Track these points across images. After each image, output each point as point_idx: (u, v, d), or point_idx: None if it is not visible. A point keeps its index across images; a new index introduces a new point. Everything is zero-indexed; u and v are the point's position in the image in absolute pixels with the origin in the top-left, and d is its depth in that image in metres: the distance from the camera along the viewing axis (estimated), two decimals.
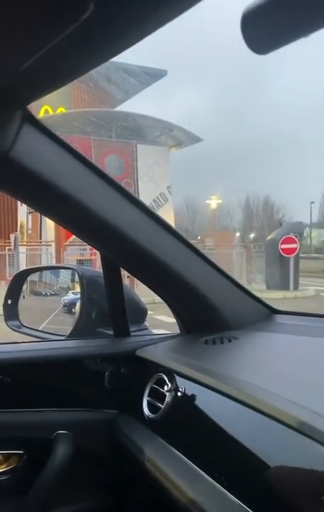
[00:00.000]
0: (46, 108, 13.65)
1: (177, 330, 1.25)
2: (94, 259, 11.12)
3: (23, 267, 11.17)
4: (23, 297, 1.54)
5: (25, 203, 1.05)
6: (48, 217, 1.05)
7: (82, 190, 0.93)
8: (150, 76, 14.83)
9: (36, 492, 1.01)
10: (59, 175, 0.90)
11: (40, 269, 1.76)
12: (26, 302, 1.57)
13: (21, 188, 0.94)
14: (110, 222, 0.98)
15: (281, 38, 0.44)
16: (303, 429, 0.64)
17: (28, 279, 1.56)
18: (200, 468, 0.81)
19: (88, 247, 11.39)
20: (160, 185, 13.79)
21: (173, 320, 1.26)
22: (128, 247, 1.02)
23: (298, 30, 0.44)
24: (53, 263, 11.35)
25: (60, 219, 1.03)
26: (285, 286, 10.46)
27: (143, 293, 1.39)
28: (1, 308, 1.48)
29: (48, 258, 11.92)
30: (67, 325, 1.70)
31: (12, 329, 1.41)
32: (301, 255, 11.57)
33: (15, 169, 0.85)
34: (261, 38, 0.45)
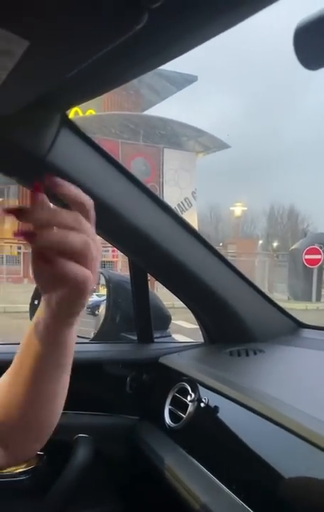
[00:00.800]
0: (76, 110, 13.85)
1: (195, 336, 1.24)
2: (116, 261, 11.18)
3: None
4: None
5: (58, 206, 1.06)
6: None
7: (114, 196, 0.94)
8: (182, 81, 14.88)
9: (55, 493, 1.02)
10: (93, 179, 0.91)
11: None
12: None
13: None
14: (141, 228, 0.98)
15: None
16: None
17: None
18: (219, 480, 0.80)
19: (110, 248, 11.47)
20: (185, 190, 13.81)
21: (192, 326, 1.26)
22: (156, 253, 1.03)
23: None
24: None
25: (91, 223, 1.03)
26: (307, 298, 10.32)
27: (163, 297, 1.39)
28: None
29: None
30: (89, 326, 1.71)
31: None
32: None
33: (51, 172, 0.86)
34: (313, 54, 0.45)
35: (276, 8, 0.48)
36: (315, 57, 0.45)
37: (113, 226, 1.00)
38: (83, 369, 1.17)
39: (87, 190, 0.89)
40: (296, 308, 8.25)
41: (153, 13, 0.44)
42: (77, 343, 1.43)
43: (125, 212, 0.96)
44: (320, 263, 10.39)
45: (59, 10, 0.47)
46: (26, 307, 1.52)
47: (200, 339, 1.26)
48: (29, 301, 1.50)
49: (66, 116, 0.88)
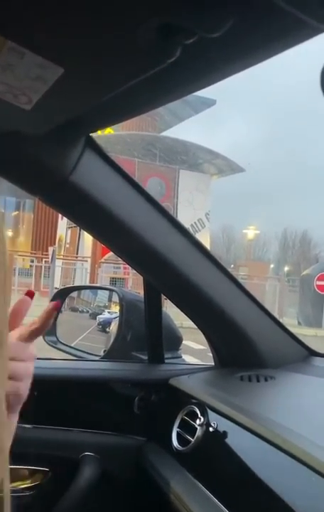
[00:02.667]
0: None
1: (204, 357, 1.24)
2: (126, 278, 11.20)
3: (58, 279, 11.37)
4: (61, 312, 1.57)
5: (78, 225, 1.08)
6: (98, 240, 1.08)
7: (133, 216, 0.96)
8: (200, 104, 15.13)
9: (59, 511, 1.01)
10: (113, 200, 0.93)
11: (83, 288, 1.79)
12: (63, 317, 1.60)
13: (77, 210, 0.97)
14: (157, 249, 0.99)
15: None
16: None
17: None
18: (225, 507, 0.79)
19: (122, 265, 11.53)
20: (199, 211, 13.89)
21: (201, 347, 1.25)
22: (171, 274, 1.03)
23: None
24: (87, 278, 11.50)
25: (108, 242, 1.05)
26: (317, 324, 10.20)
27: (172, 316, 1.39)
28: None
29: (83, 273, 12.09)
30: (100, 343, 1.72)
31: (48, 344, 1.43)
32: None
33: (73, 192, 0.88)
34: None
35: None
36: None
37: (130, 246, 1.02)
38: (92, 387, 1.18)
39: (107, 211, 0.92)
40: (306, 334, 8.14)
41: (185, 47, 0.46)
42: (86, 360, 1.44)
43: (142, 233, 0.97)
44: None
45: (94, 40, 0.49)
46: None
47: (207, 360, 1.25)
48: (38, 313, 1.51)
49: (91, 138, 0.91)
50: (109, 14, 0.44)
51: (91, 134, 0.92)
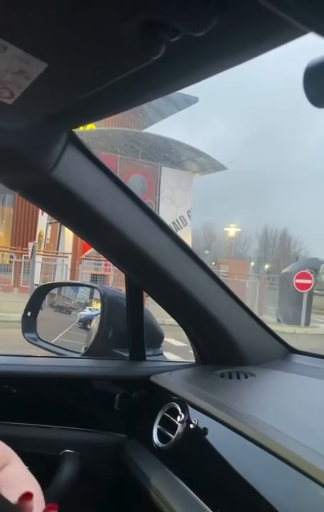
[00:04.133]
0: None
1: (184, 354, 1.24)
2: (108, 275, 11.16)
3: (37, 275, 11.27)
4: (41, 309, 1.55)
5: (59, 221, 1.07)
6: (79, 236, 1.07)
7: (116, 213, 0.96)
8: (183, 101, 15.12)
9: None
10: (96, 197, 0.92)
11: (64, 285, 1.78)
12: (43, 314, 1.59)
13: (59, 206, 0.96)
14: (139, 246, 0.99)
15: None
16: (315, 475, 0.63)
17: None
18: (205, 503, 0.80)
19: (103, 262, 11.47)
20: (181, 208, 13.90)
21: (181, 344, 1.26)
22: (153, 271, 1.03)
23: None
24: (68, 275, 11.42)
25: (90, 238, 1.05)
26: (296, 321, 10.34)
27: (153, 313, 1.39)
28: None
29: (63, 270, 11.99)
30: (81, 340, 1.71)
31: (28, 341, 1.42)
32: (315, 291, 11.46)
33: (55, 188, 0.88)
34: (322, 92, 0.47)
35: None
36: (323, 96, 0.47)
37: (111, 243, 1.01)
38: (72, 384, 1.17)
39: (89, 207, 0.91)
40: (285, 331, 8.26)
41: (170, 45, 0.46)
42: (67, 357, 1.43)
43: (124, 230, 0.97)
44: (310, 288, 10.45)
45: (78, 35, 0.49)
46: (15, 316, 1.51)
47: (188, 357, 1.26)
48: (17, 309, 1.49)
49: (73, 133, 0.90)
50: (94, 9, 0.44)
51: (73, 130, 0.91)
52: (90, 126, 13.62)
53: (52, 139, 0.86)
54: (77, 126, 0.91)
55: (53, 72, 0.55)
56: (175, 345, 4.13)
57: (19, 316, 1.50)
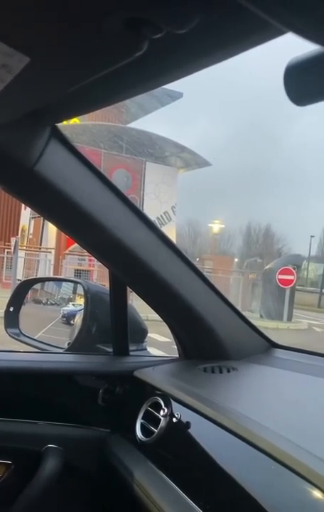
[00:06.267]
0: None
1: (168, 350, 1.25)
2: (91, 270, 11.11)
3: (20, 271, 11.16)
4: (24, 304, 1.55)
5: (42, 216, 1.07)
6: (63, 231, 1.07)
7: (99, 208, 0.96)
8: (166, 96, 15.06)
9: (20, 504, 1.00)
10: (79, 191, 0.92)
11: (47, 280, 1.77)
12: (26, 309, 1.58)
13: (42, 200, 0.96)
14: (123, 242, 0.99)
15: (323, 93, 0.47)
16: (295, 468, 0.64)
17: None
18: (188, 496, 0.81)
19: (87, 257, 11.42)
20: (166, 204, 13.90)
21: (166, 339, 1.27)
22: (137, 267, 1.04)
23: None
24: (51, 270, 11.34)
25: (74, 234, 1.05)
26: (279, 317, 10.45)
27: (138, 309, 1.40)
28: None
29: (47, 265, 11.90)
30: (64, 335, 1.70)
31: (11, 337, 1.41)
32: (297, 287, 11.60)
33: (38, 182, 0.87)
34: (302, 91, 0.47)
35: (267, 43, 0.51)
36: (303, 94, 0.47)
37: (95, 238, 1.01)
38: (56, 379, 1.17)
39: (72, 201, 0.91)
40: (268, 326, 8.34)
41: (152, 41, 0.46)
42: (51, 353, 1.42)
43: (108, 225, 0.97)
44: (292, 284, 10.56)
45: (61, 31, 0.49)
46: None
47: (172, 352, 1.27)
48: (0, 305, 1.49)
49: (56, 128, 0.90)
50: (77, 5, 0.43)
51: (56, 124, 0.90)
52: (74, 121, 13.51)
53: (35, 134, 0.85)
54: (60, 121, 0.90)
55: (36, 67, 0.55)
56: (159, 341, 4.14)
57: (1, 312, 1.49)
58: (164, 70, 0.57)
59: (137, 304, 1.37)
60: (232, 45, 0.48)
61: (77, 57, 0.54)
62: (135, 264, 1.03)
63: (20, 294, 1.47)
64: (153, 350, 1.45)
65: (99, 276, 10.42)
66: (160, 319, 1.18)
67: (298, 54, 0.46)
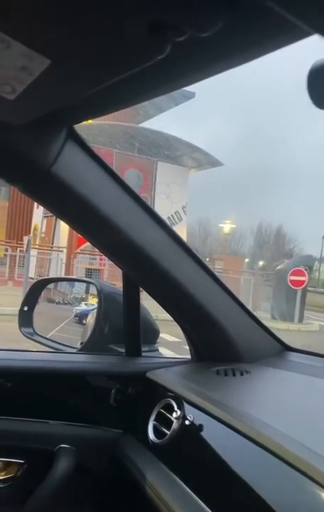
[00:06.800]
0: None
1: (178, 350, 1.25)
2: (102, 270, 11.15)
3: (32, 269, 11.23)
4: (37, 303, 1.56)
5: (57, 216, 1.07)
6: (77, 232, 1.07)
7: (114, 209, 0.96)
8: (179, 96, 15.03)
9: (33, 503, 1.01)
10: (94, 192, 0.92)
11: (61, 280, 1.78)
12: (39, 308, 1.59)
13: (57, 201, 0.96)
14: (137, 243, 0.99)
15: None
16: (308, 472, 0.64)
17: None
18: (200, 499, 0.81)
19: (98, 256, 11.45)
20: (176, 204, 13.89)
21: (175, 339, 1.26)
22: (150, 268, 1.04)
23: None
24: (63, 269, 11.39)
25: (88, 234, 1.05)
26: (290, 318, 10.38)
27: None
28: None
29: (58, 263, 11.96)
30: (76, 335, 1.71)
31: (25, 336, 1.42)
32: (308, 288, 11.51)
33: (54, 183, 0.88)
34: None
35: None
36: None
37: (110, 239, 1.01)
38: (68, 379, 1.17)
39: (87, 203, 0.91)
40: (279, 327, 8.29)
41: (175, 44, 0.46)
42: (63, 352, 1.43)
43: (123, 226, 0.97)
44: (304, 285, 10.48)
45: (83, 33, 0.49)
46: (9, 310, 1.51)
47: (181, 352, 1.27)
48: (12, 303, 1.49)
49: (73, 129, 0.90)
50: (100, 8, 0.43)
51: (73, 125, 0.91)
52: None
53: (52, 135, 0.86)
54: (78, 122, 0.90)
55: (56, 70, 0.55)
56: (169, 341, 4.14)
57: (13, 310, 1.50)
58: (185, 73, 0.57)
59: (146, 304, 1.37)
60: (255, 47, 0.48)
61: (98, 60, 0.54)
62: (148, 264, 1.03)
63: (34, 293, 1.48)
64: (162, 350, 1.45)
65: (110, 275, 10.46)
66: (170, 319, 1.18)
67: (322, 57, 0.46)
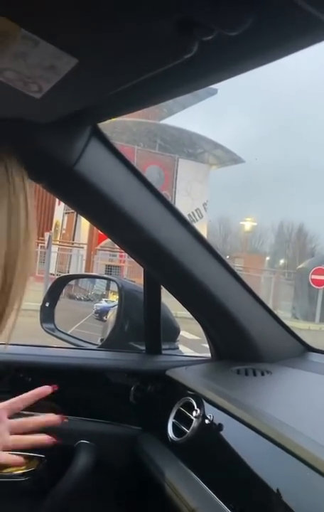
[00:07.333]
0: None
1: (197, 348, 1.25)
2: (122, 266, 11.21)
3: (53, 265, 11.37)
4: (59, 299, 1.57)
5: (80, 214, 1.08)
6: (100, 229, 1.08)
7: (136, 207, 0.96)
8: (202, 92, 14.94)
9: (53, 497, 1.02)
10: (117, 190, 0.93)
11: (82, 277, 1.80)
12: (60, 304, 1.61)
13: (81, 199, 0.97)
14: (159, 241, 0.99)
15: None
16: None
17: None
18: (218, 497, 0.81)
19: (118, 253, 11.52)
20: (197, 201, 13.86)
21: (194, 337, 1.26)
22: (172, 266, 1.04)
23: None
24: (83, 265, 11.50)
25: (110, 231, 1.05)
26: (311, 318, 10.26)
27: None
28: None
29: (78, 260, 12.07)
30: (96, 331, 1.73)
31: (46, 331, 1.44)
32: None
33: (77, 181, 0.88)
34: None
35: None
36: None
37: (132, 237, 1.02)
38: (88, 376, 1.18)
39: (110, 201, 0.92)
40: (299, 327, 8.21)
41: (202, 43, 0.45)
42: (84, 349, 1.44)
43: (145, 225, 0.97)
44: None
45: (111, 32, 0.49)
46: (31, 305, 1.53)
47: (200, 350, 1.26)
48: (33, 298, 1.51)
49: (97, 127, 0.90)
50: (128, 7, 0.43)
51: (97, 124, 0.91)
52: None
53: (76, 133, 0.86)
54: (102, 121, 0.91)
55: (83, 69, 0.55)
56: (188, 339, 4.14)
57: (35, 305, 1.52)
58: (210, 72, 0.57)
59: (165, 301, 1.37)
60: (284, 45, 0.47)
61: (125, 60, 0.54)
62: (169, 262, 1.03)
63: (55, 289, 1.50)
64: (181, 348, 1.45)
65: (130, 272, 10.50)
66: (189, 316, 1.18)
67: None
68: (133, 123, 12.74)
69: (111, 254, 11.70)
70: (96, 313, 1.87)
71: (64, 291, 1.62)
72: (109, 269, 11.00)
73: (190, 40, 0.44)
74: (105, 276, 1.92)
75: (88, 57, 0.53)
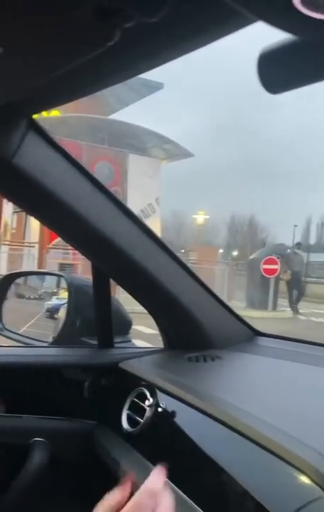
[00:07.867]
0: None
1: (154, 342, 1.26)
2: (76, 264, 11.05)
3: (3, 266, 11.05)
4: (6, 298, 1.54)
5: (22, 209, 1.06)
6: (44, 224, 1.07)
7: (79, 200, 0.95)
8: (145, 87, 14.87)
9: (9, 497, 1.00)
10: (58, 184, 0.92)
11: (29, 274, 1.76)
12: (8, 304, 1.57)
13: (21, 193, 0.95)
14: (104, 233, 0.99)
15: (295, 81, 0.47)
16: (282, 455, 0.65)
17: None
18: (176, 485, 0.81)
19: (71, 251, 11.33)
20: (149, 196, 13.84)
21: (151, 331, 1.27)
22: (119, 258, 1.04)
23: (315, 75, 0.46)
24: (35, 265, 11.25)
25: (54, 226, 1.04)
26: (264, 306, 10.52)
27: (123, 302, 1.40)
28: None
29: (30, 259, 11.80)
30: (48, 330, 1.70)
31: None
32: (307, 279, 11.56)
33: (16, 175, 0.87)
34: (275, 79, 0.47)
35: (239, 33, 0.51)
36: (277, 82, 0.47)
37: (76, 230, 1.01)
38: (41, 373, 1.17)
39: (52, 194, 0.90)
40: (253, 316, 8.40)
41: (125, 30, 0.46)
42: (35, 346, 1.42)
43: (89, 217, 0.97)
44: (277, 273, 10.63)
45: (34, 20, 0.48)
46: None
47: (158, 344, 1.28)
48: None
49: (34, 120, 0.89)
50: None
51: (34, 116, 0.89)
52: (54, 113, 13.31)
53: (12, 126, 0.84)
54: (37, 113, 0.89)
55: (10, 57, 0.54)
56: (146, 333, 4.15)
57: None
58: (138, 60, 0.57)
59: (123, 297, 1.37)
60: (204, 33, 0.48)
61: (50, 47, 0.54)
62: (116, 255, 1.03)
63: (2, 288, 1.46)
64: (139, 343, 1.46)
65: (84, 269, 10.35)
66: (147, 312, 1.19)
67: (270, 43, 0.46)
68: (76, 119, 12.52)
69: (63, 253, 11.50)
70: (47, 311, 1.84)
71: (13, 290, 1.59)
72: (62, 267, 10.81)
73: (110, 27, 0.45)
74: (53, 272, 1.90)
75: (12, 46, 0.52)
